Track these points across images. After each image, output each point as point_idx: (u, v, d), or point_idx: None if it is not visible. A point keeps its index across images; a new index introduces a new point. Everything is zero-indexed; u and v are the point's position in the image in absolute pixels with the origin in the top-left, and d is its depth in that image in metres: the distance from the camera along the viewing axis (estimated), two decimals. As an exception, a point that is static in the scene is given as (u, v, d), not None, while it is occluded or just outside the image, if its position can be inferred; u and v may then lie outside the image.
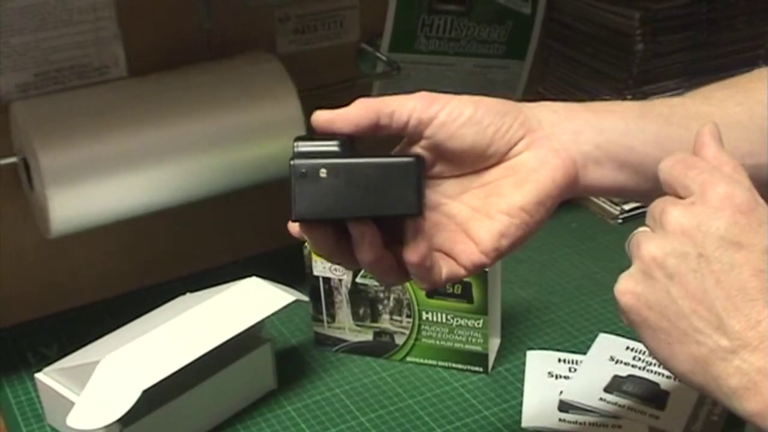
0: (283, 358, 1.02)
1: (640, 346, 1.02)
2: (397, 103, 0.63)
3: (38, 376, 0.93)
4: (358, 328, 1.03)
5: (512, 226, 0.64)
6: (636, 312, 0.56)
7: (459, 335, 0.99)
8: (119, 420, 0.83)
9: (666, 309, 0.55)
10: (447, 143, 0.64)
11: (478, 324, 0.98)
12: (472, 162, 0.65)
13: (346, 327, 1.04)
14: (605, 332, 1.05)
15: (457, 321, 0.99)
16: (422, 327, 1.00)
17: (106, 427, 0.84)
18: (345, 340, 1.04)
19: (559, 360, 1.01)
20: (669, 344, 0.55)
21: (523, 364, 1.01)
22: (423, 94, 0.64)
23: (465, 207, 0.65)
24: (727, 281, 0.53)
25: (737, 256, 0.53)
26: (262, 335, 0.99)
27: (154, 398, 0.86)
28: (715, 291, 0.53)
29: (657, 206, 0.58)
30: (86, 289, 1.15)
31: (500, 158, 0.65)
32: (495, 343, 1.03)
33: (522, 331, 1.07)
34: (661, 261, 0.55)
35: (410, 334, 1.01)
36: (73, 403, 0.87)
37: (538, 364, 1.01)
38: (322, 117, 0.64)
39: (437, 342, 1.00)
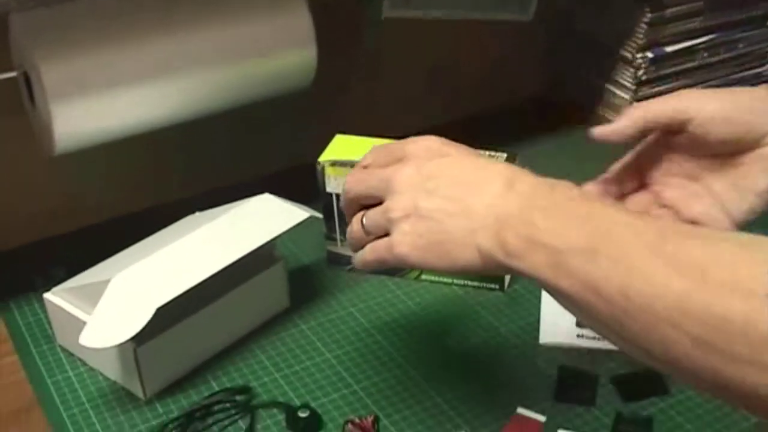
0: (295, 277, 1.00)
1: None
2: (659, 109, 0.75)
3: (47, 296, 0.92)
4: (372, 246, 1.00)
5: (759, 206, 0.75)
6: (415, 249, 0.68)
7: (475, 252, 0.97)
8: (133, 338, 0.81)
9: (431, 230, 0.67)
10: (704, 138, 0.74)
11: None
12: (726, 149, 0.75)
13: (360, 245, 1.01)
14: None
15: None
16: (438, 244, 0.98)
17: (120, 345, 0.82)
18: (358, 259, 1.02)
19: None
20: (448, 252, 0.66)
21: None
22: (683, 94, 0.76)
23: (720, 182, 0.76)
24: (454, 182, 0.67)
25: (445, 160, 0.69)
26: (275, 254, 0.97)
27: (167, 317, 0.85)
28: (450, 194, 0.67)
29: (380, 186, 0.71)
30: (93, 210, 1.13)
31: (752, 147, 0.74)
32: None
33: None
34: (406, 205, 0.68)
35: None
36: (83, 323, 0.85)
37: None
38: (598, 133, 0.77)
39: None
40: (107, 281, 0.84)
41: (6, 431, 0.85)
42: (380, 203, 0.71)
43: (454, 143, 0.72)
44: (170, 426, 0.83)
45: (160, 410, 0.86)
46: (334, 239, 1.02)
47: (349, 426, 0.80)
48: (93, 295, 0.85)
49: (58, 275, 0.98)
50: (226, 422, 0.85)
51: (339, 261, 1.03)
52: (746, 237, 0.54)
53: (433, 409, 0.86)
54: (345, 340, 0.94)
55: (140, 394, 0.87)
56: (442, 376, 0.89)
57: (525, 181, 0.65)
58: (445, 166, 0.69)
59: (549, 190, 0.64)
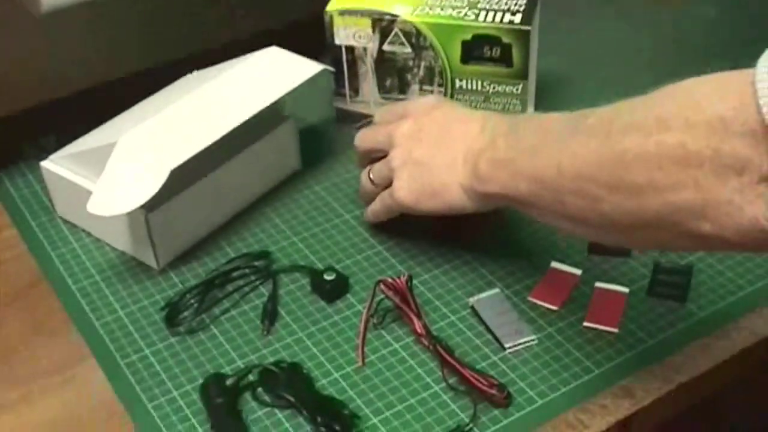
0: (304, 137, 0.95)
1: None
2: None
3: (44, 164, 0.86)
4: (384, 101, 0.95)
5: None
6: (411, 193, 0.77)
7: (495, 103, 0.92)
8: (143, 205, 0.76)
9: (422, 174, 0.77)
10: None
11: (517, 90, 0.91)
12: None
13: (371, 101, 0.96)
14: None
15: (494, 87, 0.91)
16: (455, 96, 0.93)
17: (131, 213, 0.77)
18: (369, 116, 0.96)
19: (600, 125, 0.95)
20: (438, 193, 0.76)
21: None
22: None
23: None
24: (441, 131, 0.78)
25: (437, 113, 0.80)
26: (284, 112, 0.91)
27: (177, 182, 0.79)
28: (438, 141, 0.77)
29: (384, 140, 0.81)
30: (83, 75, 1.05)
31: None
32: (529, 112, 0.96)
33: (556, 96, 1.00)
34: (403, 154, 0.78)
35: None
36: (86, 191, 0.80)
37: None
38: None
39: (471, 111, 0.93)
40: (112, 145, 0.78)
41: (12, 306, 0.80)
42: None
43: (448, 100, 0.84)
44: (188, 295, 0.78)
45: (176, 279, 0.82)
46: (343, 95, 0.97)
47: (381, 287, 0.76)
48: (96, 161, 0.80)
49: (49, 144, 0.92)
50: (247, 289, 0.81)
51: (348, 118, 0.98)
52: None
53: (464, 268, 0.82)
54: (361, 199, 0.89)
55: (153, 264, 0.83)
56: (473, 233, 0.85)
57: (494, 119, 0.76)
58: (436, 118, 0.79)
59: (512, 120, 0.74)
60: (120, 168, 0.77)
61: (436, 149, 0.77)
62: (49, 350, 0.77)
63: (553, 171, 0.64)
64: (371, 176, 0.82)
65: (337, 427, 0.67)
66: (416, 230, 0.84)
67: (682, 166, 0.56)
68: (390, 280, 0.76)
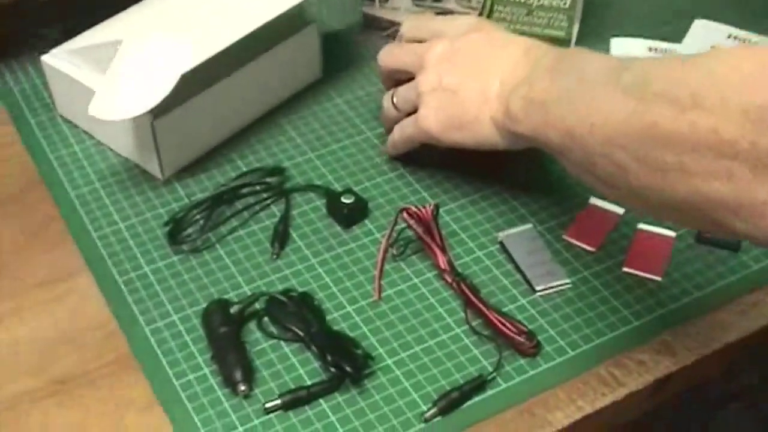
0: (328, 44, 0.87)
1: (744, 33, 0.88)
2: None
3: (45, 58, 0.78)
4: (417, 8, 0.87)
5: None
6: (438, 122, 0.70)
7: (539, 18, 0.84)
8: (150, 110, 0.70)
9: (452, 103, 0.70)
10: None
11: (564, 4, 0.83)
12: None
13: (402, 7, 0.88)
14: (702, 18, 0.90)
15: (538, 0, 0.83)
16: (495, 8, 0.85)
17: (136, 118, 0.70)
18: (399, 24, 0.88)
19: (650, 49, 0.87)
20: (468, 125, 0.69)
21: (607, 52, 0.87)
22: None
23: None
24: (477, 56, 0.70)
25: (475, 36, 0.72)
26: (306, 15, 0.83)
27: (187, 87, 0.72)
28: (472, 67, 0.70)
29: (412, 62, 0.74)
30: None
31: None
32: (574, 30, 0.88)
33: (604, 15, 0.92)
34: (432, 80, 0.71)
35: (479, 16, 0.85)
36: (89, 90, 0.73)
37: (624, 54, 0.87)
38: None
39: (512, 26, 0.85)
40: (118, 42, 0.71)
41: (4, 211, 0.74)
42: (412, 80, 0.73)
43: (488, 21, 0.74)
44: (194, 211, 0.72)
45: (181, 192, 0.76)
46: (372, 0, 0.89)
47: (404, 215, 0.69)
48: (101, 59, 0.73)
49: (52, 37, 0.85)
50: (258, 207, 0.75)
51: (376, 25, 0.90)
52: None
53: (495, 199, 0.75)
54: (387, 117, 0.82)
55: (158, 174, 0.76)
56: (506, 164, 0.78)
57: (540, 47, 0.68)
58: (473, 42, 0.71)
59: (557, 53, 0.66)
60: (125, 69, 0.70)
61: (470, 77, 0.69)
62: (42, 262, 0.71)
63: (585, 129, 0.58)
64: (395, 100, 0.75)
65: (348, 368, 0.61)
66: (443, 160, 0.77)
67: (715, 153, 0.49)
68: (414, 208, 0.69)
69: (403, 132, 0.74)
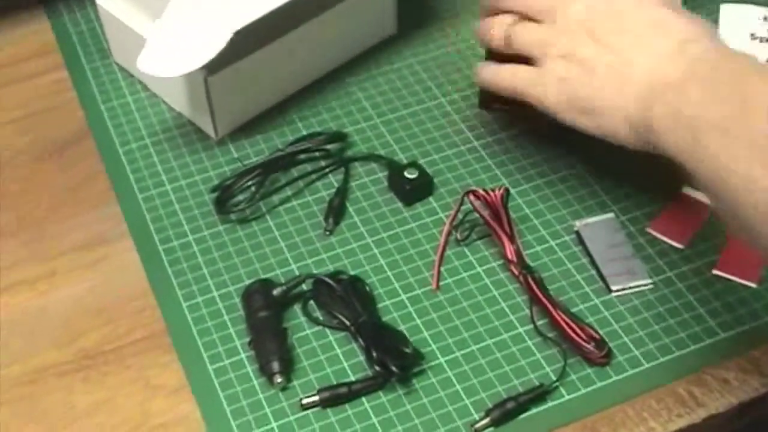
0: (405, -4, 0.80)
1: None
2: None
3: (100, 1, 0.73)
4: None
5: None
6: (560, 98, 0.59)
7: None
8: (204, 66, 0.64)
9: (582, 81, 0.58)
10: None
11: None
12: None
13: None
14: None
15: (641, -40, 0.74)
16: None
17: (189, 73, 0.65)
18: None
19: (765, 18, 0.78)
20: (595, 111, 0.58)
21: (716, 21, 0.78)
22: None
23: None
24: (622, 29, 0.57)
25: (623, 3, 0.58)
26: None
27: (246, 43, 0.66)
28: (614, 42, 0.57)
29: (542, 7, 0.60)
30: None
31: None
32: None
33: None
34: (565, 45, 0.59)
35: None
36: (142, 38, 0.68)
37: (736, 21, 0.78)
38: None
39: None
40: (172, -11, 0.66)
41: (49, 162, 0.70)
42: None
43: None
44: (247, 177, 0.67)
45: (235, 153, 0.70)
46: (457, -49, 0.81)
47: (471, 197, 0.63)
48: (154, 6, 0.67)
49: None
50: (314, 176, 0.69)
51: (460, -20, 0.82)
52: None
53: (574, 182, 0.68)
54: (465, 81, 0.75)
55: (211, 133, 0.71)
56: (588, 146, 0.71)
57: (701, 44, 0.54)
58: (620, 10, 0.58)
59: (718, 56, 0.53)
60: (177, 21, 0.65)
61: (608, 53, 0.57)
62: (81, 223, 0.66)
63: (745, 197, 0.47)
64: (512, 37, 0.62)
65: (394, 367, 0.56)
66: (525, 125, 0.70)
67: None
68: (482, 191, 0.62)
69: (512, 82, 0.62)
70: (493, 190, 0.62)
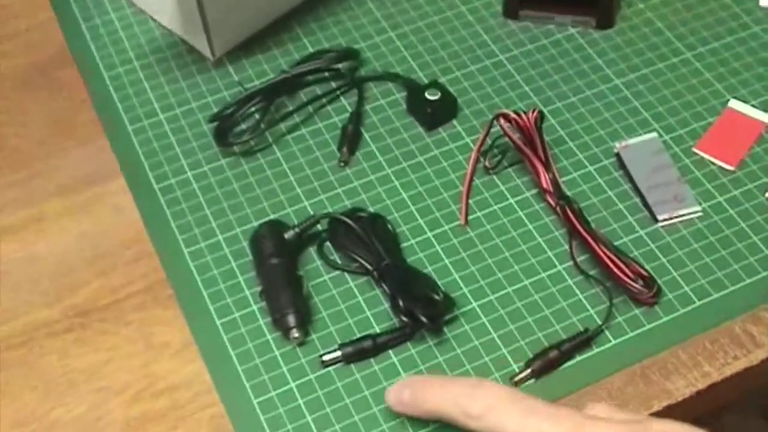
0: None
1: None
2: None
3: None
4: None
5: None
6: None
7: None
8: (194, -20, 0.57)
9: None
10: None
11: None
12: None
13: None
14: None
15: None
16: None
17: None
18: None
19: None
20: None
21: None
22: None
23: None
24: None
25: None
26: None
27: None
28: None
29: None
30: None
31: None
32: None
33: None
34: None
35: None
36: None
37: None
38: None
39: None
40: None
41: (26, 93, 0.63)
42: None
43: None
44: (249, 105, 0.60)
45: (235, 76, 0.63)
46: None
47: (502, 121, 0.56)
48: None
49: None
50: (325, 100, 0.62)
51: None
52: None
53: (613, 97, 0.61)
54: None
55: (207, 53, 0.64)
56: (626, 57, 0.64)
57: None
58: None
59: None
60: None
61: None
62: (68, 161, 0.60)
63: None
64: None
65: (423, 317, 0.50)
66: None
67: None
68: (513, 114, 0.56)
69: None
70: (525, 113, 0.56)
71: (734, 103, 0.60)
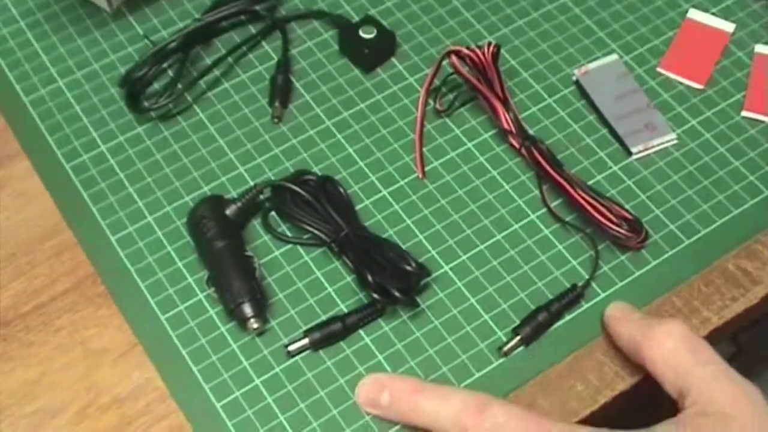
0: None
1: None
2: None
3: None
4: None
5: None
6: None
7: None
8: None
9: None
10: None
11: None
12: None
13: None
14: None
15: None
16: None
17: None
18: None
19: None
20: None
21: None
22: None
23: None
24: None
25: None
26: None
27: None
28: None
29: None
30: None
31: None
32: None
33: None
34: None
35: None
36: None
37: None
38: None
39: None
40: None
41: None
42: None
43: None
44: (161, 62, 0.52)
45: (139, 30, 0.55)
46: None
47: (453, 59, 0.50)
48: None
49: None
50: (245, 48, 0.55)
51: None
52: None
53: (564, 19, 0.56)
54: None
55: (102, 3, 0.56)
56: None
57: None
58: None
59: None
60: None
61: None
62: (-44, 144, 0.52)
63: None
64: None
65: (396, 291, 0.45)
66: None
67: None
68: (466, 50, 0.50)
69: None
70: (480, 47, 0.50)
71: (693, 13, 0.56)
